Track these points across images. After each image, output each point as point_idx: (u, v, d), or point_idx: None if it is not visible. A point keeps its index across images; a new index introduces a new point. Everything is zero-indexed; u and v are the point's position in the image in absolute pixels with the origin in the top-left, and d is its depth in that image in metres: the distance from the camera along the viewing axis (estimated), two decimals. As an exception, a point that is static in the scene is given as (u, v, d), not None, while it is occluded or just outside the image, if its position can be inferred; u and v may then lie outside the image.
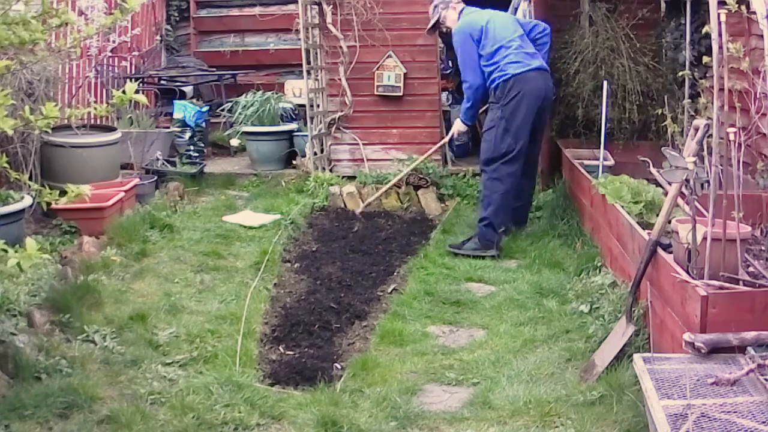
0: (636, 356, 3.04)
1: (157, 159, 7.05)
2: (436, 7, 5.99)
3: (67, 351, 3.77)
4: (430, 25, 6.06)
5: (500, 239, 5.54)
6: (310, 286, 4.95)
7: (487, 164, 5.62)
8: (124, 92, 3.00)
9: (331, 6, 7.15)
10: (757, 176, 4.55)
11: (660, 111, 5.16)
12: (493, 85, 5.58)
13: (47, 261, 4.82)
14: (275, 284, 4.95)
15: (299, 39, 7.14)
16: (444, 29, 6.07)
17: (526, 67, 5.53)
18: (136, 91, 3.02)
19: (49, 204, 3.19)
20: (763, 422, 2.50)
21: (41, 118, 2.92)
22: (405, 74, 7.16)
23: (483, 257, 5.42)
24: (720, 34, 3.43)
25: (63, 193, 3.21)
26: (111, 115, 7.72)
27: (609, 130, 6.08)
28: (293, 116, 7.95)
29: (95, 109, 3.22)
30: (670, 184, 3.65)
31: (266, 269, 5.10)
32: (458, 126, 6.05)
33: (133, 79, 8.44)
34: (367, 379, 3.69)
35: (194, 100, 8.30)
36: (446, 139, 6.47)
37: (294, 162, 7.58)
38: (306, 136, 7.30)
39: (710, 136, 3.55)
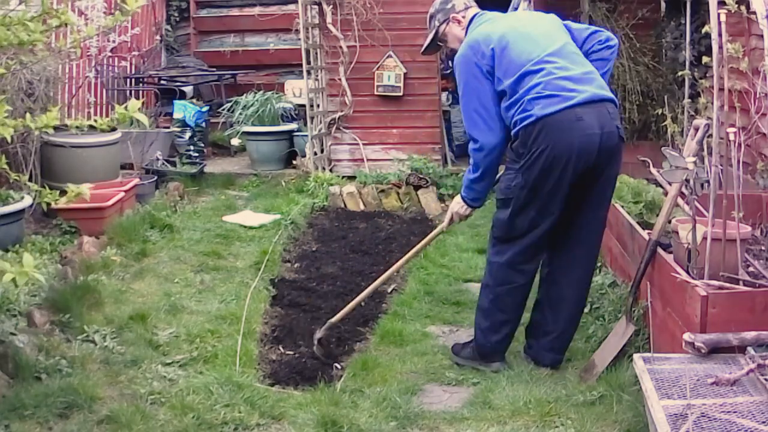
0: (636, 356, 3.03)
1: (157, 159, 7.05)
2: (431, 19, 3.89)
3: (67, 351, 3.77)
4: (425, 45, 3.97)
5: (500, 347, 3.81)
6: (310, 286, 4.95)
7: (500, 242, 3.70)
8: (126, 108, 2.99)
9: (331, 6, 7.16)
10: (757, 176, 4.55)
11: (660, 111, 5.16)
12: (515, 132, 3.51)
13: (47, 261, 4.83)
14: (275, 284, 4.95)
15: (299, 39, 7.15)
16: (447, 49, 4.29)
17: (566, 102, 3.38)
18: (137, 94, 3.02)
19: (49, 204, 3.18)
20: (763, 422, 2.50)
21: (41, 125, 2.92)
22: (405, 74, 7.17)
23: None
24: (720, 34, 3.43)
25: (63, 193, 3.20)
26: (113, 123, 7.72)
27: (609, 130, 6.09)
28: (293, 116, 7.95)
29: (95, 121, 3.21)
30: (670, 184, 3.65)
31: (266, 269, 5.10)
32: (458, 208, 3.87)
33: (132, 79, 8.52)
34: (367, 379, 3.69)
35: (194, 100, 8.31)
36: (443, 225, 4.04)
37: (294, 162, 7.59)
38: (306, 136, 7.30)
39: (710, 136, 3.55)
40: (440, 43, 3.96)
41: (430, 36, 3.91)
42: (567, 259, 3.71)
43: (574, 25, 3.76)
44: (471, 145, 3.65)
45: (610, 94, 3.55)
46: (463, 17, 3.82)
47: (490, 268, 3.75)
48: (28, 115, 3.00)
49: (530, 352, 3.83)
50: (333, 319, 4.03)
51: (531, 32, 3.60)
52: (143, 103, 8.39)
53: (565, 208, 3.55)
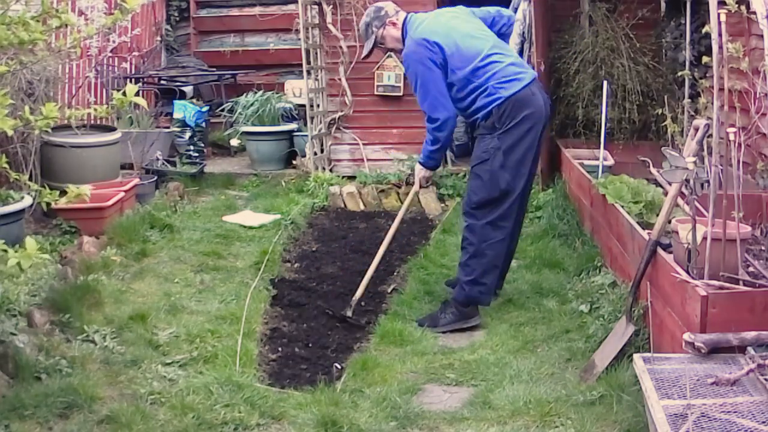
0: (636, 356, 3.03)
1: (157, 159, 7.05)
2: (368, 26, 4.53)
3: (67, 351, 3.77)
4: (365, 53, 4.65)
5: (488, 297, 4.42)
6: (310, 286, 4.95)
7: (478, 207, 4.33)
8: (124, 94, 3.00)
9: (331, 6, 7.16)
10: (757, 176, 4.55)
11: (660, 111, 5.16)
12: (481, 114, 4.29)
13: (47, 261, 4.83)
14: (275, 284, 4.95)
15: (299, 39, 7.15)
16: (387, 49, 4.88)
17: (522, 82, 4.28)
18: (137, 93, 3.02)
19: (49, 204, 3.18)
20: (763, 422, 2.50)
21: (41, 118, 2.92)
22: (405, 74, 7.16)
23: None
24: (720, 34, 3.43)
25: (63, 193, 3.21)
26: (111, 116, 7.73)
27: (609, 130, 6.09)
28: (293, 116, 7.95)
29: (95, 110, 3.22)
30: (670, 184, 3.65)
31: (266, 269, 5.10)
32: (420, 173, 4.68)
33: (133, 80, 8.52)
34: (367, 379, 3.69)
35: (194, 100, 8.30)
36: (416, 187, 4.79)
37: (294, 162, 7.59)
38: (306, 136, 7.30)
39: (710, 136, 3.55)
40: (380, 46, 4.63)
41: (371, 41, 4.56)
42: (521, 214, 4.61)
43: (477, 11, 4.57)
44: (431, 125, 4.37)
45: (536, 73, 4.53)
46: (397, 20, 4.52)
47: (471, 229, 4.35)
48: (27, 107, 3.00)
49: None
50: (356, 297, 4.55)
51: (469, 31, 4.40)
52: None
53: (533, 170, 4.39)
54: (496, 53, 4.34)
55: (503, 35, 4.59)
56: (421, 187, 4.82)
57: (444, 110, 4.32)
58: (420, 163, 4.64)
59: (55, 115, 2.95)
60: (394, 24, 4.50)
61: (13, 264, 2.60)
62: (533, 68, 4.70)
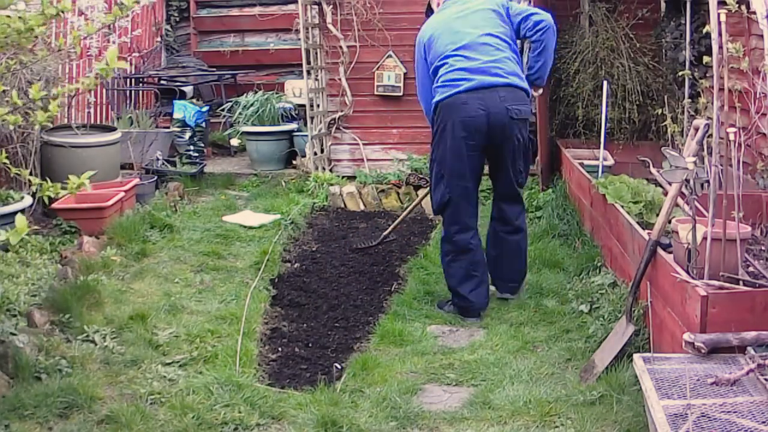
0: (636, 356, 3.03)
1: (157, 159, 7.05)
2: (429, 4, 4.88)
3: (67, 351, 3.77)
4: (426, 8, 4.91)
5: (479, 303, 4.47)
6: (310, 286, 4.95)
7: (442, 220, 4.61)
8: (107, 63, 2.97)
9: (331, 6, 7.16)
10: (757, 176, 4.55)
11: (660, 111, 5.16)
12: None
13: (47, 261, 4.84)
14: (275, 284, 4.95)
15: (299, 39, 7.15)
16: None
17: (455, 89, 4.25)
18: (136, 94, 3.01)
19: (49, 203, 3.18)
20: (763, 422, 2.50)
21: (44, 117, 2.92)
22: (405, 74, 7.16)
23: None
24: (720, 34, 3.43)
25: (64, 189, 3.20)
26: (111, 116, 7.74)
27: (609, 130, 6.09)
28: (293, 116, 7.95)
29: (82, 83, 3.18)
30: (670, 184, 3.65)
31: (266, 269, 5.10)
32: None
33: (133, 80, 8.52)
34: (367, 379, 3.69)
35: (194, 100, 8.31)
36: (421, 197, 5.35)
37: (294, 162, 7.59)
38: (306, 136, 7.30)
39: (710, 136, 3.55)
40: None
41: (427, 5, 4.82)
42: (498, 212, 4.60)
43: (513, 9, 4.51)
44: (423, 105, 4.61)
45: (508, 80, 4.30)
46: (438, 4, 4.68)
47: (441, 240, 4.59)
48: (17, 97, 2.99)
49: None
50: (385, 233, 5.50)
51: (456, 26, 4.40)
52: (143, 103, 8.44)
53: (477, 180, 4.43)
54: (457, 54, 4.32)
55: (529, 40, 4.51)
56: None
57: (423, 101, 4.59)
58: None
59: (56, 111, 2.94)
60: (438, 4, 4.71)
61: (3, 240, 2.60)
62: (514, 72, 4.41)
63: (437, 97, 4.33)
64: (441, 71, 4.33)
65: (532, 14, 4.46)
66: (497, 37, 4.40)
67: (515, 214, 4.60)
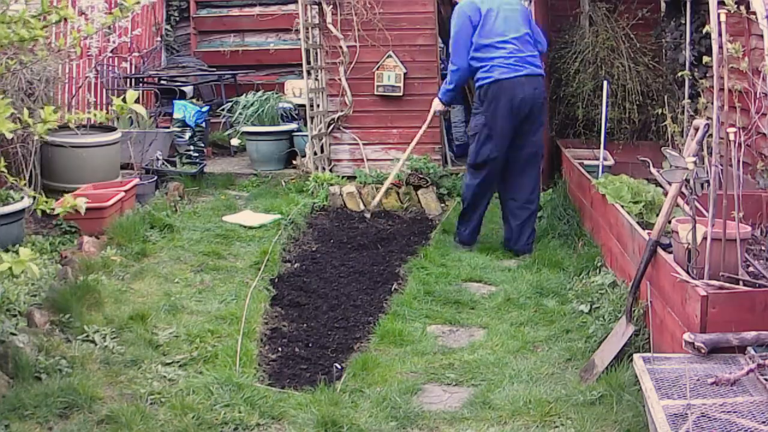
0: (636, 356, 3.04)
1: (157, 159, 7.05)
2: None
3: (67, 351, 3.77)
4: None
5: (470, 239, 5.69)
6: (310, 286, 4.95)
7: (470, 170, 5.61)
8: (124, 100, 2.99)
9: (331, 6, 7.15)
10: (757, 176, 4.55)
11: (660, 111, 5.16)
12: (478, 84, 5.42)
13: (47, 261, 4.84)
14: (275, 284, 4.95)
15: (299, 39, 7.15)
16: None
17: (515, 73, 5.32)
18: (138, 97, 3.02)
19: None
20: (763, 422, 2.50)
21: (40, 122, 2.92)
22: (405, 74, 7.16)
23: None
24: (720, 34, 3.43)
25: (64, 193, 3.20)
26: (110, 120, 7.73)
27: (609, 130, 6.10)
28: (293, 116, 7.95)
29: (94, 115, 3.21)
30: (670, 184, 3.65)
31: (266, 269, 5.10)
32: (436, 105, 5.96)
33: (133, 80, 8.52)
34: (367, 379, 3.69)
35: (194, 100, 8.31)
36: (428, 120, 6.13)
37: (294, 162, 7.59)
38: (306, 136, 7.30)
39: (710, 136, 3.55)
40: None
41: None
42: (514, 184, 5.57)
43: (533, 24, 5.60)
44: (450, 66, 5.59)
45: (541, 71, 5.48)
46: None
47: (466, 187, 5.67)
48: (26, 110, 2.99)
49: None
50: (373, 204, 6.45)
51: (510, 16, 5.43)
52: (143, 103, 8.40)
53: (510, 147, 5.43)
54: (514, 43, 5.33)
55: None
56: (434, 116, 6.14)
57: (459, 60, 5.44)
58: (438, 97, 5.91)
59: (54, 119, 2.95)
60: None
61: (5, 268, 2.61)
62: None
63: (495, 75, 5.27)
64: (498, 53, 5.30)
65: (537, 40, 5.54)
66: (531, 37, 5.48)
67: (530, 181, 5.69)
